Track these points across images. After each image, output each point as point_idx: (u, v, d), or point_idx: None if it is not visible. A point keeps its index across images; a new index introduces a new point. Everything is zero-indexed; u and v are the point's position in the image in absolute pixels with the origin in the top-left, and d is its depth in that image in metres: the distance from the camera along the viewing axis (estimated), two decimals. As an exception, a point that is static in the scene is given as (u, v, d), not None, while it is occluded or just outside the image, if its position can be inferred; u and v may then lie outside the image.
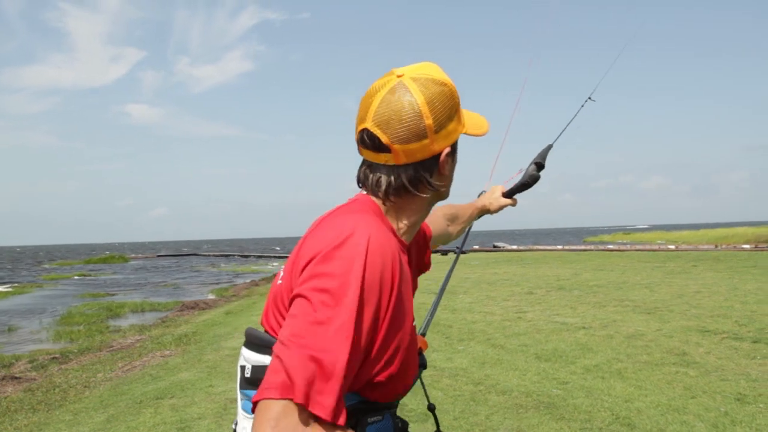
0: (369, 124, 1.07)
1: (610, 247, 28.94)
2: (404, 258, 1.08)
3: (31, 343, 10.06)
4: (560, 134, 1.98)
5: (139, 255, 66.36)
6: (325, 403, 0.86)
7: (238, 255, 54.92)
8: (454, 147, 1.16)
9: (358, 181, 1.17)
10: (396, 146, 1.06)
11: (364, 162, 1.15)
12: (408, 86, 1.07)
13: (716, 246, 25.71)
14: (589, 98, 2.01)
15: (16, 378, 6.75)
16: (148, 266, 41.13)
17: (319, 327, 0.89)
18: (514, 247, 33.41)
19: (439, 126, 1.09)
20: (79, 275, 31.47)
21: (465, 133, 1.18)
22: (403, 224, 1.15)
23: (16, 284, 25.32)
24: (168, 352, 7.66)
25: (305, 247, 1.04)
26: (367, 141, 1.09)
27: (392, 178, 1.10)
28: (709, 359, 5.55)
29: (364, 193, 1.16)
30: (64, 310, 14.29)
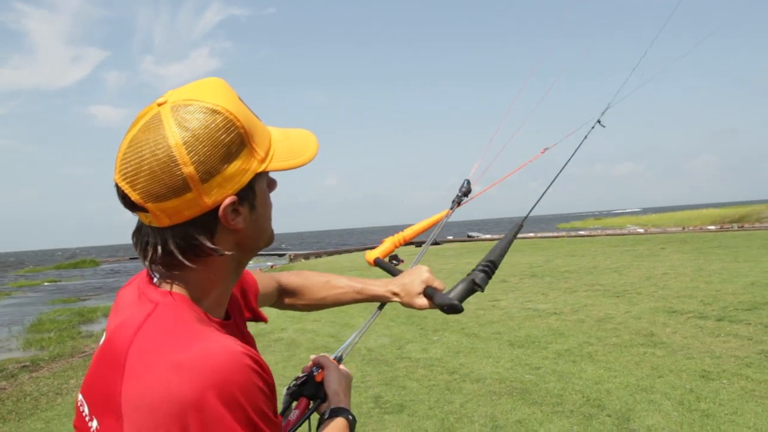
0: (117, 177, 0.82)
1: (582, 233, 29.42)
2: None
3: (0, 352, 9.84)
4: (550, 184, 1.65)
5: (111, 258, 65.24)
6: None
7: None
8: (247, 193, 0.86)
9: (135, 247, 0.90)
10: (150, 205, 0.80)
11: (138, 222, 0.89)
12: (163, 120, 0.80)
13: (683, 228, 26.34)
14: (598, 122, 1.68)
15: (-15, 388, 6.60)
16: (120, 269, 40.47)
17: None
18: (488, 236, 33.72)
19: (208, 172, 0.81)
20: (49, 281, 30.80)
21: (267, 170, 0.88)
22: (205, 304, 0.89)
23: (-18, 293, 24.67)
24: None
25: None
26: (120, 198, 0.83)
27: (158, 243, 0.84)
28: (676, 339, 5.71)
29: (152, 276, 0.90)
30: (33, 318, 13.98)
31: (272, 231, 0.96)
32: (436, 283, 1.40)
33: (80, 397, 0.85)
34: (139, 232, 0.87)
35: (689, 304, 7.30)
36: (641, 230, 27.43)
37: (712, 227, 24.95)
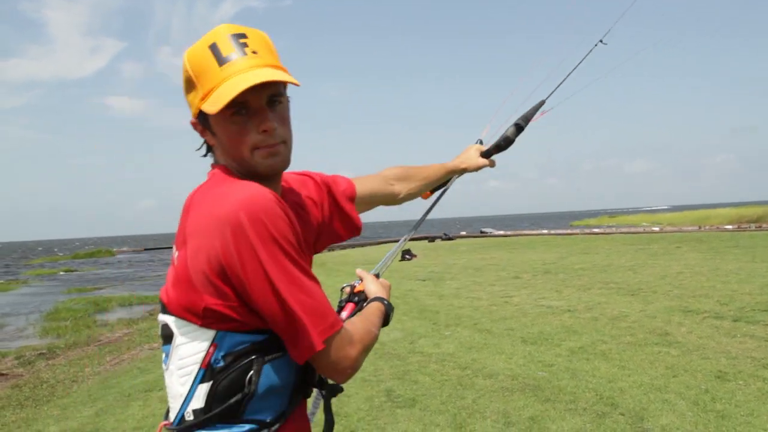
0: None
1: (596, 230, 29.21)
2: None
3: (18, 339, 9.99)
4: (557, 87, 1.76)
5: (126, 249, 65.89)
6: (334, 320, 1.08)
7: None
8: (203, 119, 1.15)
9: None
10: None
11: None
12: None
13: (699, 227, 26.04)
14: (600, 41, 1.80)
15: (2, 374, 6.72)
16: (135, 260, 40.87)
17: (290, 287, 1.02)
18: (501, 232, 33.59)
19: (185, 94, 1.18)
20: (65, 270, 31.20)
21: (201, 108, 1.12)
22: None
23: (1, 281, 25.06)
24: (156, 345, 7.65)
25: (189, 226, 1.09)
26: None
27: None
28: (691, 338, 5.66)
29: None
30: (50, 306, 14.18)
31: (260, 162, 1.14)
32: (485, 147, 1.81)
33: (173, 249, 1.17)
34: None
35: (705, 304, 7.22)
36: (656, 228, 27.17)
37: (729, 226, 24.65)
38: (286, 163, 1.18)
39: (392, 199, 1.66)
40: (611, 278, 10.28)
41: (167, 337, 1.13)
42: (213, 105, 1.07)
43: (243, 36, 1.13)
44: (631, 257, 13.65)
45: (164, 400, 4.85)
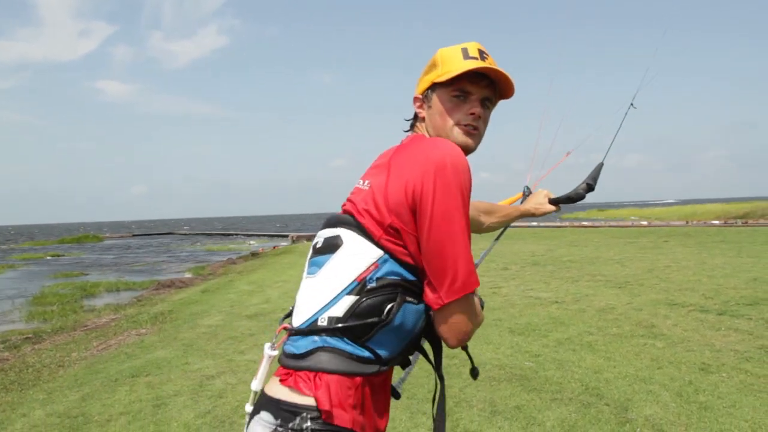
0: None
1: (585, 223, 29.36)
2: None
3: (3, 323, 9.91)
4: (608, 150, 2.07)
5: (114, 234, 65.43)
6: (476, 282, 1.25)
7: (219, 233, 54.46)
8: (427, 95, 1.43)
9: None
10: None
11: None
12: None
13: (687, 222, 26.25)
14: (631, 105, 2.02)
15: (-12, 358, 6.66)
16: (123, 246, 40.63)
17: (459, 234, 1.19)
18: (524, 223, 33.68)
19: (422, 75, 1.46)
20: (52, 255, 30.96)
21: (436, 81, 1.39)
22: None
23: (-14, 264, 24.80)
24: (143, 330, 7.62)
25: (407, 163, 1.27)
26: None
27: None
28: (676, 331, 5.72)
29: None
30: (36, 290, 14.08)
31: (456, 136, 1.38)
32: (553, 195, 2.02)
33: (360, 181, 1.37)
34: None
35: (691, 298, 7.29)
36: (644, 222, 27.36)
37: (716, 222, 24.87)
38: (473, 147, 1.41)
39: (477, 228, 1.90)
40: (599, 271, 10.35)
41: (330, 247, 1.27)
42: (448, 74, 1.35)
43: (486, 53, 1.41)
44: (619, 250, 13.76)
45: (151, 385, 4.85)
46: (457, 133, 1.37)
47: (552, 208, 2.01)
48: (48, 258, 29.09)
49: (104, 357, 6.24)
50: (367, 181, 1.31)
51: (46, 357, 6.49)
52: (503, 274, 10.69)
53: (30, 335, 8.03)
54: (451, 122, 1.37)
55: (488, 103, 1.42)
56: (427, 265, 1.20)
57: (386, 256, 1.21)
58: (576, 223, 29.46)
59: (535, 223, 28.75)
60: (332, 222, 1.31)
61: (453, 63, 1.37)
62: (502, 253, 14.57)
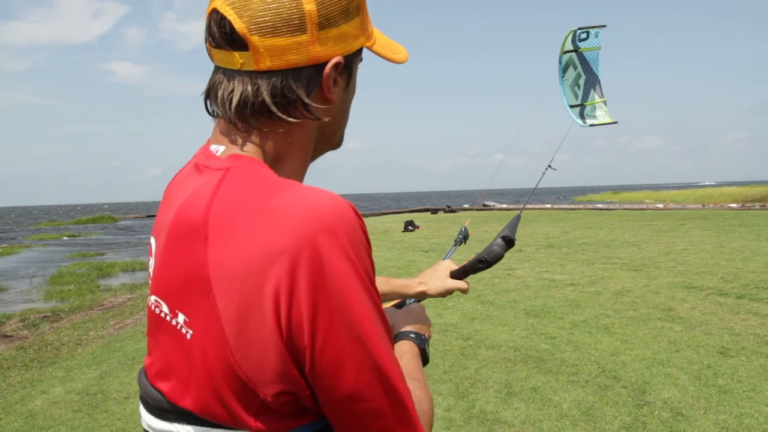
0: (219, 2, 0.72)
1: (599, 206, 29.12)
2: None
3: (22, 302, 10.05)
4: (527, 201, 1.88)
5: (129, 215, 66.12)
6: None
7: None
8: (349, 64, 0.79)
9: (206, 99, 0.79)
10: (255, 38, 0.70)
11: (216, 69, 0.77)
12: None
13: (703, 205, 25.94)
14: (549, 166, 1.80)
15: (7, 336, 6.76)
16: (139, 226, 41.02)
17: (388, 350, 0.71)
18: (504, 205, 33.53)
19: (327, 20, 0.73)
20: (68, 236, 31.32)
21: (371, 49, 0.82)
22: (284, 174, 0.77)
23: (4, 245, 25.18)
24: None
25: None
26: (214, 29, 0.73)
27: (249, 89, 0.73)
28: (694, 314, 5.65)
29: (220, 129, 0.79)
30: (54, 270, 14.25)
31: (343, 133, 0.88)
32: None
33: (152, 299, 0.76)
34: (219, 86, 0.75)
35: (709, 281, 7.20)
36: (660, 205, 27.08)
37: (733, 205, 24.56)
38: None
39: None
40: (615, 253, 10.26)
41: None
42: (396, 54, 0.85)
43: None
44: (634, 233, 13.62)
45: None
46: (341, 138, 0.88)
47: (457, 284, 1.39)
48: (65, 238, 29.44)
49: (121, 336, 6.31)
50: (182, 317, 0.70)
51: (65, 335, 6.57)
52: (518, 255, 10.63)
53: (48, 314, 8.13)
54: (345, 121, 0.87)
55: None
56: (339, 417, 0.68)
57: None
58: (590, 206, 29.24)
59: (549, 206, 28.58)
60: (162, 409, 0.73)
61: (368, 17, 0.83)
62: (516, 234, 14.44)
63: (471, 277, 1.42)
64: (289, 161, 0.78)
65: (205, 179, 0.73)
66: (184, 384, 0.70)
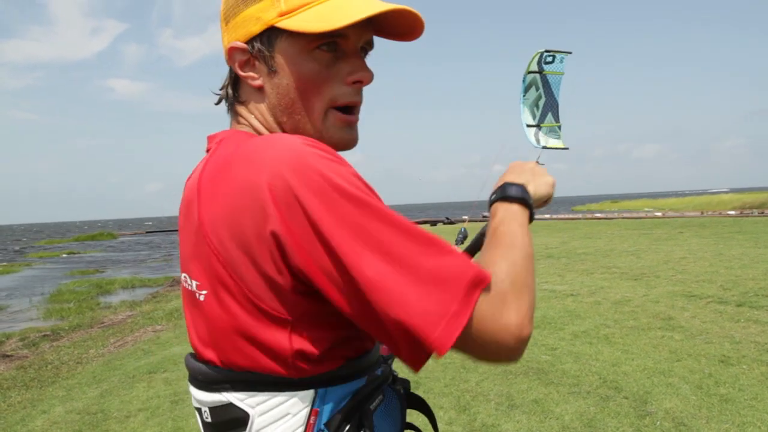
0: None
1: (598, 215, 29.18)
2: None
3: (22, 321, 10.03)
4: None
5: (128, 232, 66.05)
6: (474, 275, 0.68)
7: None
8: (262, 48, 0.79)
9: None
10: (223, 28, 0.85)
11: None
12: None
13: (702, 213, 25.98)
14: (537, 162, 1.70)
15: (7, 356, 6.75)
16: (138, 242, 40.96)
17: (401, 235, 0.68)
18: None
19: (229, 11, 0.81)
20: (67, 253, 31.28)
21: (286, 28, 0.76)
22: None
23: (4, 263, 25.14)
24: (159, 327, 7.68)
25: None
26: None
27: (226, 80, 0.88)
28: (695, 323, 5.65)
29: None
30: (53, 288, 14.23)
31: (331, 129, 0.81)
32: None
33: (182, 276, 0.83)
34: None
35: (708, 289, 7.21)
36: (659, 214, 27.12)
37: (731, 212, 24.60)
38: (355, 143, 0.85)
39: None
40: (614, 263, 10.27)
41: (230, 423, 0.75)
42: (324, 21, 0.73)
43: None
44: (633, 242, 13.64)
45: (169, 381, 4.88)
46: (333, 126, 0.81)
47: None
48: (64, 256, 29.39)
49: (121, 354, 6.30)
50: (194, 283, 0.77)
51: (65, 354, 6.56)
52: (517, 267, 10.62)
53: (48, 332, 8.11)
54: (319, 103, 0.79)
55: (369, 48, 0.83)
56: (377, 325, 0.67)
57: (323, 390, 0.73)
58: (589, 215, 29.27)
59: (548, 216, 28.60)
60: (210, 380, 0.76)
61: None
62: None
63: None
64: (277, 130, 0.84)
65: (205, 158, 0.83)
66: (219, 343, 0.75)
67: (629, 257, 10.91)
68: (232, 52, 0.80)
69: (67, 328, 8.47)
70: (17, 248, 40.60)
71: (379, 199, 0.68)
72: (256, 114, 0.83)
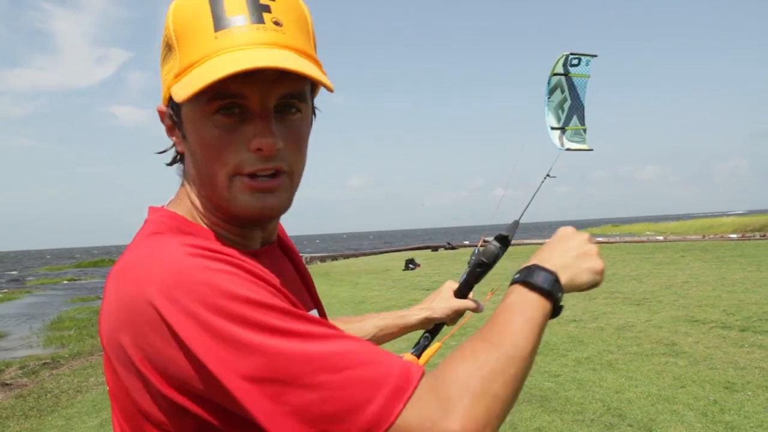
0: None
1: (600, 239, 29.13)
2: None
3: (22, 349, 9.98)
4: (524, 211, 1.58)
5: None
6: (399, 374, 0.65)
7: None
8: (174, 111, 0.74)
9: None
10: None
11: None
12: None
13: (704, 236, 25.95)
14: (548, 175, 1.70)
15: (7, 384, 6.70)
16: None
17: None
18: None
19: (166, 51, 0.74)
20: (68, 279, 31.22)
21: (171, 93, 0.72)
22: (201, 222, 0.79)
23: (4, 290, 25.07)
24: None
25: None
26: None
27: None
28: (698, 349, 5.62)
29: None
30: (54, 315, 14.17)
31: (238, 198, 0.72)
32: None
33: None
34: None
35: (712, 314, 7.18)
36: (660, 237, 27.09)
37: (733, 235, 24.56)
38: (285, 206, 0.75)
39: None
40: (616, 288, 10.23)
41: None
42: (183, 88, 0.67)
43: None
44: (635, 266, 13.60)
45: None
46: (239, 193, 0.71)
47: (464, 303, 1.25)
48: (65, 282, 29.33)
49: (122, 382, 6.26)
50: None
51: (64, 382, 6.51)
52: (519, 292, 10.59)
53: (48, 360, 8.06)
54: (222, 172, 0.71)
55: (294, 105, 0.72)
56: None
57: None
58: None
59: (549, 240, 28.51)
60: None
61: (196, 45, 0.69)
62: (515, 270, 14.41)
63: (473, 316, 1.31)
64: (194, 201, 0.78)
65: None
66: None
67: (631, 282, 10.87)
68: (160, 115, 0.78)
69: (67, 355, 8.43)
70: (18, 274, 40.56)
71: (274, 306, 0.62)
72: (187, 187, 0.79)
